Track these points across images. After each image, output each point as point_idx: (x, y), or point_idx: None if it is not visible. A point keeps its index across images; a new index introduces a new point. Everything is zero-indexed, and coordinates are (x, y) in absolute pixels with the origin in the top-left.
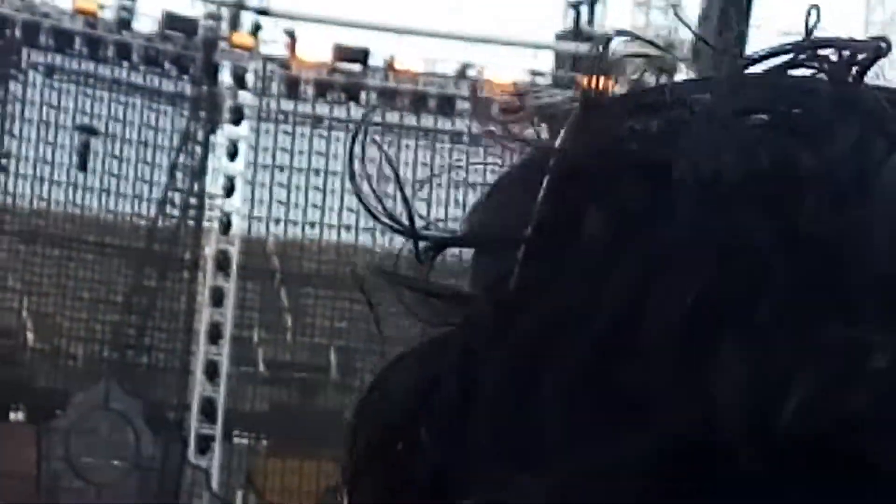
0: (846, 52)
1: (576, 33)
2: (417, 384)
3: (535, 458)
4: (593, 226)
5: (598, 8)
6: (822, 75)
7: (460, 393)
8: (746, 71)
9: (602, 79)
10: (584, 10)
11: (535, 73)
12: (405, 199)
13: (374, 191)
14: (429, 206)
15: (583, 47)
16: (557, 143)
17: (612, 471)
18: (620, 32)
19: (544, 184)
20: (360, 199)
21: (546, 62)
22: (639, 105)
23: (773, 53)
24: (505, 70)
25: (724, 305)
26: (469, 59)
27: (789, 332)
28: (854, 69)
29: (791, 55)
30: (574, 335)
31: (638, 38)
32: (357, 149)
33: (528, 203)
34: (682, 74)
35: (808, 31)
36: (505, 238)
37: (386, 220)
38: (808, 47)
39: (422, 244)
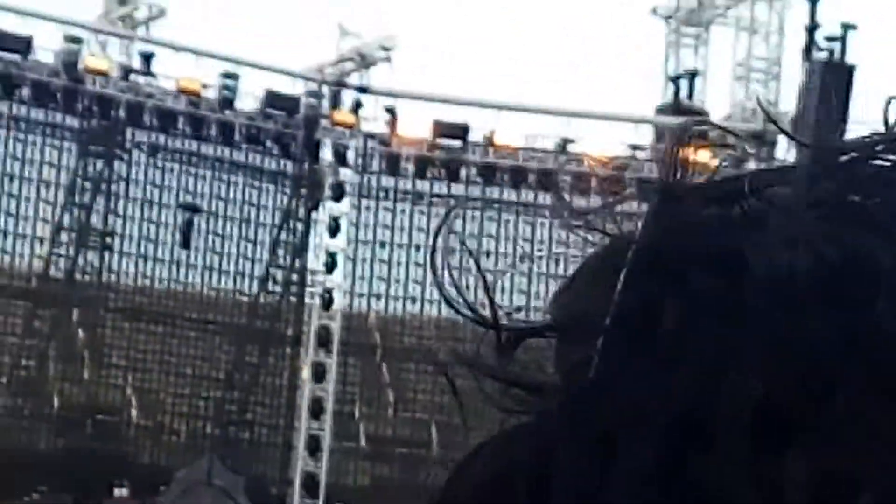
0: None
1: (675, 107)
2: (493, 477)
3: None
4: (668, 319)
5: (697, 81)
6: None
7: (533, 487)
8: (830, 160)
9: (681, 164)
10: (684, 83)
11: (634, 148)
12: (486, 289)
13: (455, 285)
14: (529, 281)
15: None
16: (637, 231)
17: None
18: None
19: (623, 274)
20: (441, 293)
21: (646, 136)
22: (716, 194)
23: (855, 146)
24: (605, 144)
25: (792, 406)
26: (569, 133)
27: (856, 435)
28: None
29: (871, 146)
30: (645, 429)
31: (712, 124)
32: (440, 240)
33: (607, 293)
34: (783, 146)
35: (888, 123)
36: (584, 329)
37: (466, 312)
38: (887, 139)
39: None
